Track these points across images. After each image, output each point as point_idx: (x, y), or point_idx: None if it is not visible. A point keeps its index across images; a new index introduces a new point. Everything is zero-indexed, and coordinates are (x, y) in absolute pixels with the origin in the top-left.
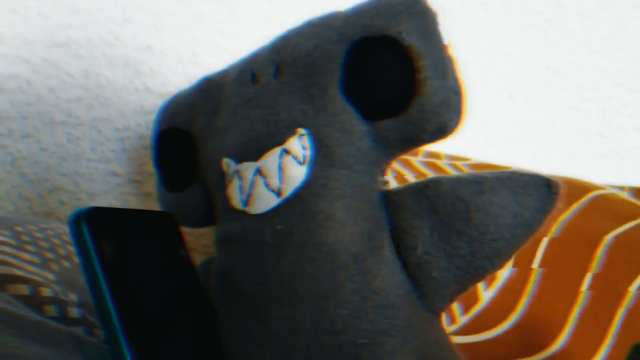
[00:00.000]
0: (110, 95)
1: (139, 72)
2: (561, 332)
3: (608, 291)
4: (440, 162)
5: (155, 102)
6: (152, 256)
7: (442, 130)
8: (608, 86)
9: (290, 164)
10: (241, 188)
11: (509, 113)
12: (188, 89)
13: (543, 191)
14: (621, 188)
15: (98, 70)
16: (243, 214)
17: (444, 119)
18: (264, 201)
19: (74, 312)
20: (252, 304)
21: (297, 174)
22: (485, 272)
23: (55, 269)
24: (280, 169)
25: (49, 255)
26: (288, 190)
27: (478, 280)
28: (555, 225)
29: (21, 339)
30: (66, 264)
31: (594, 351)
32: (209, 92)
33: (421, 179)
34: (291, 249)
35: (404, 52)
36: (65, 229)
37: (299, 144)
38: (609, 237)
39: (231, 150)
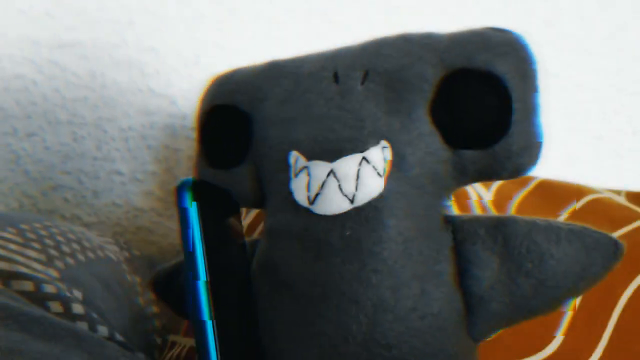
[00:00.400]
0: (114, 96)
1: (143, 73)
2: (555, 333)
3: (603, 294)
4: None
5: (158, 103)
6: (226, 235)
7: (519, 171)
8: (607, 88)
9: (369, 172)
10: (308, 185)
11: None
12: (251, 70)
13: (610, 250)
14: (617, 192)
15: (103, 71)
16: (305, 210)
17: (524, 162)
18: (335, 204)
19: (77, 308)
20: (304, 303)
21: (375, 184)
22: (537, 314)
23: (59, 266)
24: (358, 176)
25: (53, 252)
26: (362, 198)
27: (526, 320)
28: None
29: (23, 334)
30: (70, 261)
31: (588, 353)
32: (279, 79)
33: (494, 214)
34: (357, 257)
35: (501, 90)
36: (69, 227)
37: (380, 156)
38: None
39: (302, 144)
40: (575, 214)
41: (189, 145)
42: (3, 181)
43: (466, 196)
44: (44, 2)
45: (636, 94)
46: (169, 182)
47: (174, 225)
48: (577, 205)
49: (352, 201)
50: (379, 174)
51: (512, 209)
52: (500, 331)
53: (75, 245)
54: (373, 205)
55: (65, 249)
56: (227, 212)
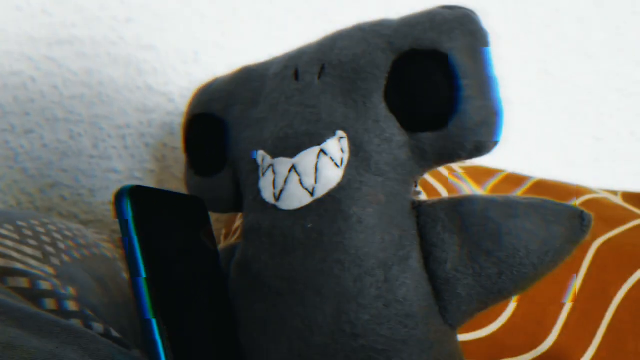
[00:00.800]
0: (112, 93)
1: (141, 70)
2: (550, 331)
3: (597, 293)
4: None
5: (156, 101)
6: (182, 238)
7: (479, 149)
8: (604, 90)
9: (326, 165)
10: (274, 182)
11: (505, 116)
12: (226, 77)
13: (575, 222)
14: (613, 193)
15: (101, 69)
16: (273, 207)
17: (482, 138)
18: (296, 198)
19: (72, 305)
20: (273, 298)
21: (333, 175)
22: (508, 294)
23: (55, 263)
24: (317, 168)
25: (50, 249)
26: (322, 190)
27: (499, 301)
28: None
29: (18, 330)
30: (66, 258)
31: (582, 351)
32: (249, 83)
33: (454, 195)
34: (319, 249)
35: (449, 68)
36: (66, 224)
37: (337, 146)
38: (599, 240)
39: (267, 143)
40: None
41: None
42: (1, 179)
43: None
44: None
45: (634, 95)
46: (167, 180)
47: None
48: (575, 203)
49: (312, 194)
50: (336, 164)
51: None
52: (496, 329)
53: (71, 243)
54: (332, 196)
55: (61, 246)
56: (185, 217)
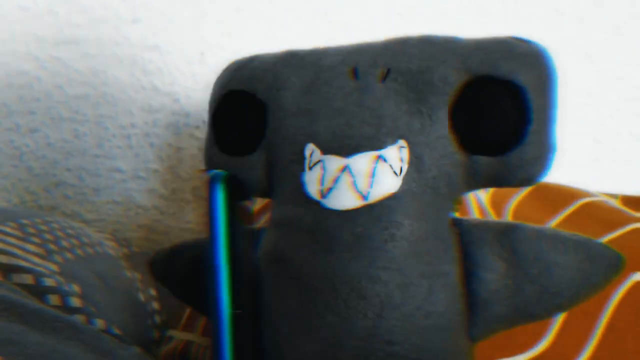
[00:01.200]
0: (117, 93)
1: (146, 71)
2: (546, 331)
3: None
4: None
5: (162, 101)
6: (239, 222)
7: (529, 181)
8: (604, 91)
9: (385, 171)
10: (322, 179)
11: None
12: (268, 57)
13: (613, 262)
14: (612, 196)
15: (106, 69)
16: (317, 204)
17: (535, 171)
18: (347, 199)
19: (75, 301)
20: (311, 295)
21: (391, 183)
22: (536, 319)
23: (59, 260)
24: (374, 174)
25: (53, 247)
26: (377, 196)
27: (524, 324)
28: None
29: (20, 325)
30: (70, 255)
31: (577, 350)
32: (299, 69)
33: (502, 220)
34: (367, 253)
35: (520, 100)
36: (68, 222)
37: (397, 155)
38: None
39: (319, 137)
40: (569, 217)
41: (192, 143)
42: (6, 177)
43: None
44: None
45: (634, 96)
46: (171, 180)
47: (176, 223)
48: (571, 208)
49: (365, 198)
50: (395, 172)
51: (509, 211)
52: None
53: (74, 241)
54: (386, 204)
55: (64, 243)
56: (241, 200)
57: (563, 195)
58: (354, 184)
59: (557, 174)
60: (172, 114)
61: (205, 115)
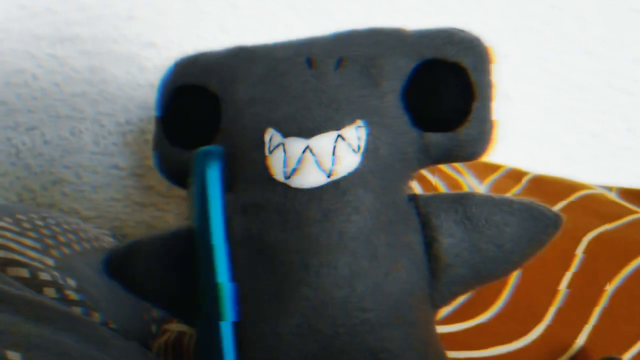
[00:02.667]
0: (114, 91)
1: (143, 68)
2: (542, 320)
3: (590, 283)
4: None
5: None
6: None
7: (475, 154)
8: (603, 87)
9: (345, 149)
10: (286, 160)
11: (505, 113)
12: (217, 53)
13: (553, 220)
14: (609, 188)
15: (103, 66)
16: (282, 185)
17: (479, 146)
18: (312, 178)
19: (72, 295)
20: (285, 271)
21: (351, 160)
22: (494, 278)
23: (55, 255)
24: (335, 152)
25: (49, 242)
26: (340, 173)
27: (482, 284)
28: None
29: (16, 317)
30: (66, 250)
31: (573, 337)
32: (253, 63)
33: (452, 192)
34: (335, 227)
35: (465, 81)
36: (65, 218)
37: (355, 134)
38: (592, 234)
39: (278, 123)
40: (567, 209)
41: None
42: (4, 175)
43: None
44: None
45: (631, 93)
46: None
47: (174, 220)
48: (570, 200)
49: (329, 175)
50: (354, 150)
51: None
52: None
53: (71, 236)
54: (349, 180)
55: (61, 238)
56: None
57: (561, 188)
58: (316, 163)
59: (556, 168)
60: None
61: None
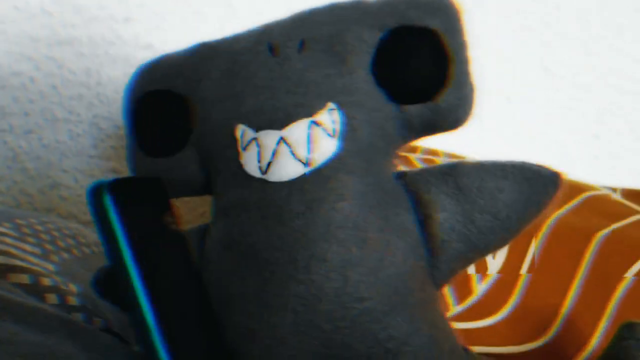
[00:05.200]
0: (111, 94)
1: None
2: (554, 323)
3: (601, 283)
4: (439, 159)
5: None
6: (150, 225)
7: (459, 121)
8: (603, 88)
9: (320, 135)
10: (260, 155)
11: (505, 113)
12: (179, 53)
13: (550, 179)
14: (613, 189)
15: (100, 69)
16: (260, 181)
17: (463, 111)
18: (290, 169)
19: (73, 301)
20: (272, 269)
21: (328, 145)
22: (491, 249)
23: (55, 260)
24: (310, 139)
25: (49, 247)
26: (318, 160)
27: (480, 258)
28: (549, 221)
29: (17, 325)
30: (66, 255)
31: (585, 341)
32: (215, 58)
33: (439, 164)
34: (320, 218)
35: (437, 45)
36: (64, 223)
37: (329, 117)
38: (602, 233)
39: (248, 117)
40: (576, 210)
41: None
42: (1, 179)
43: None
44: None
45: (633, 93)
46: None
47: None
48: (576, 202)
49: (306, 164)
50: (329, 135)
51: None
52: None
53: (70, 241)
54: (329, 166)
55: (61, 243)
56: (154, 203)
57: (569, 189)
58: (291, 153)
59: (557, 169)
60: None
61: None
